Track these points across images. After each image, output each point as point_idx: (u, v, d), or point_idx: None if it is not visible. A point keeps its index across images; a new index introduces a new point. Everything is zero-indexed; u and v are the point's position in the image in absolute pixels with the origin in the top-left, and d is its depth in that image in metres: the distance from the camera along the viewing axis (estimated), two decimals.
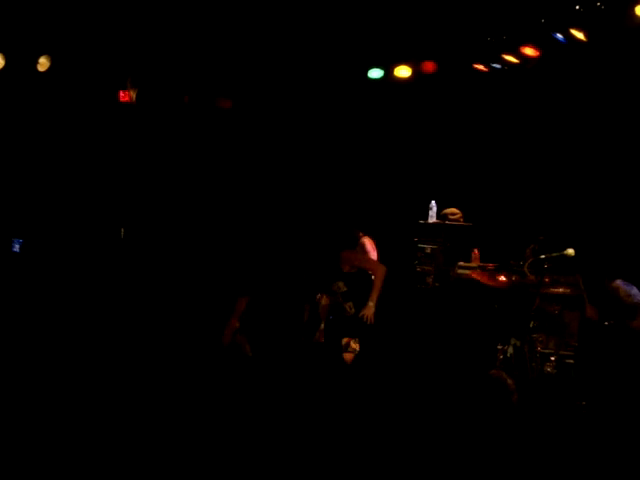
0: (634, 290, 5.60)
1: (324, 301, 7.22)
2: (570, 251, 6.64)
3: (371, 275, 7.74)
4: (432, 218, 9.39)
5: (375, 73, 9.66)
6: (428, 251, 9.33)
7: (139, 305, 8.88)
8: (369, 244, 8.70)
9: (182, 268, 9.69)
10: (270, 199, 10.20)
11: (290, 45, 9.47)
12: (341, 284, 7.28)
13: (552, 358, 6.93)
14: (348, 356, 6.91)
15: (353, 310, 7.14)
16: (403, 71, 9.52)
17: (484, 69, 8.98)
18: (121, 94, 10.10)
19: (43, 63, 9.41)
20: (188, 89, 10.24)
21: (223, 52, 9.69)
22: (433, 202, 9.40)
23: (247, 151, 10.40)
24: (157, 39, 9.47)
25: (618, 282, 5.72)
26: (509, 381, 5.07)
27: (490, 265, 8.58)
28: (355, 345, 6.99)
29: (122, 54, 9.70)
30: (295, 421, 4.37)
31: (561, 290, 7.14)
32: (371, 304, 7.01)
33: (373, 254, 8.68)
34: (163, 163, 10.28)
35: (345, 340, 6.98)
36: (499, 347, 7.43)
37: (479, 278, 8.10)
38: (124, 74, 10.01)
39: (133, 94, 10.13)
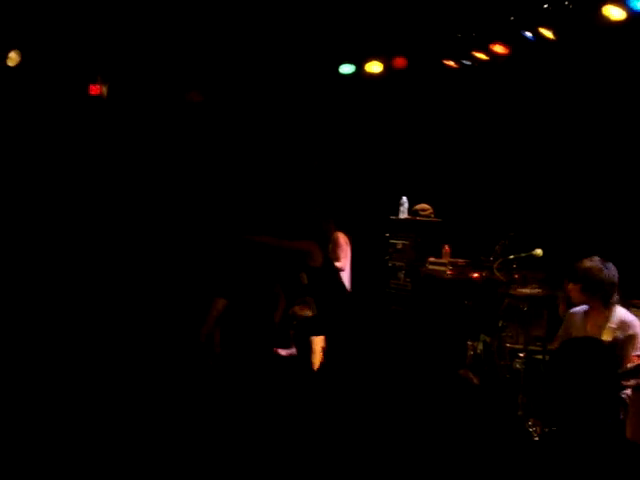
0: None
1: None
2: (538, 251, 6.74)
3: (338, 272, 7.81)
4: (403, 214, 9.46)
5: (346, 68, 9.68)
6: (399, 247, 9.40)
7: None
8: (342, 239, 8.79)
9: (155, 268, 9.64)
10: (243, 195, 10.19)
11: (262, 40, 9.46)
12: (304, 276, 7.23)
13: (521, 354, 7.02)
14: (315, 357, 6.97)
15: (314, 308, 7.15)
16: (374, 67, 9.54)
17: (454, 65, 9.02)
18: (91, 88, 10.03)
19: (13, 58, 9.33)
20: (160, 83, 10.20)
21: (195, 46, 9.65)
22: (404, 198, 9.47)
23: (219, 146, 10.38)
24: (128, 32, 9.42)
25: None
26: (475, 380, 5.14)
27: (461, 261, 8.68)
28: (320, 344, 7.04)
29: (93, 48, 9.64)
30: (266, 425, 4.39)
31: (529, 290, 7.22)
32: None
33: (346, 249, 8.77)
34: (135, 158, 10.24)
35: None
36: (469, 343, 7.52)
37: (452, 274, 8.24)
38: (95, 68, 9.95)
39: (104, 88, 10.07)
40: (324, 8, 8.80)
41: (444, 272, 8.55)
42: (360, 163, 10.32)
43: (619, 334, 5.72)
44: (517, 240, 7.60)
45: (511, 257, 6.98)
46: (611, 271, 5.83)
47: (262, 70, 9.93)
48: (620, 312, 5.84)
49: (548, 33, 7.74)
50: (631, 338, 5.70)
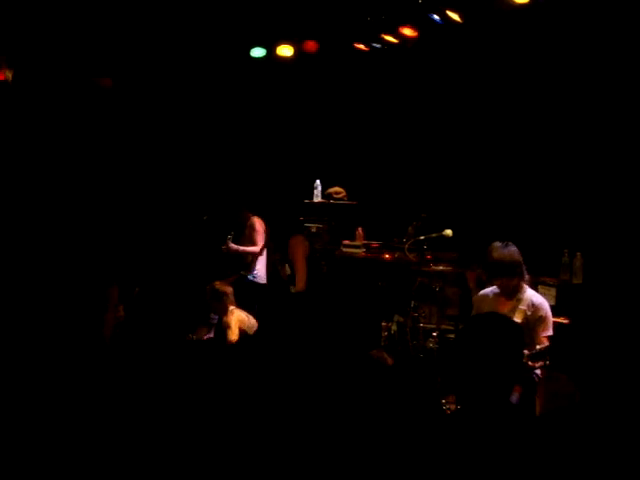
0: None
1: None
2: (448, 232, 6.85)
3: None
4: (317, 197, 9.48)
5: (257, 52, 9.61)
6: (314, 230, 9.42)
7: None
8: (258, 224, 8.80)
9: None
10: (153, 181, 10.05)
11: (172, 23, 9.32)
12: None
13: (434, 334, 7.14)
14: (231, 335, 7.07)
15: None
16: (285, 50, 9.50)
17: (365, 49, 9.06)
18: None
19: None
20: (67, 68, 9.96)
21: (105, 29, 9.45)
22: (318, 181, 9.49)
23: (129, 132, 10.21)
24: (33, 16, 9.17)
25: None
26: (389, 360, 5.21)
27: (374, 243, 8.77)
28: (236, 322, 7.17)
29: None
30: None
31: (442, 267, 7.36)
32: None
33: (263, 234, 8.79)
34: (42, 144, 9.99)
35: None
36: (383, 324, 7.62)
37: (365, 256, 8.36)
38: None
39: (9, 73, 9.80)
40: None
41: (358, 254, 8.63)
42: (274, 147, 10.28)
43: (529, 316, 5.75)
44: (429, 221, 7.71)
45: (422, 238, 7.08)
46: (514, 254, 5.82)
47: (173, 54, 9.79)
48: (529, 293, 5.85)
49: (455, 16, 7.84)
50: (541, 319, 5.73)
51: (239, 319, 7.43)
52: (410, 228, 7.97)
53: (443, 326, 7.17)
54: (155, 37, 9.54)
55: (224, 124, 10.30)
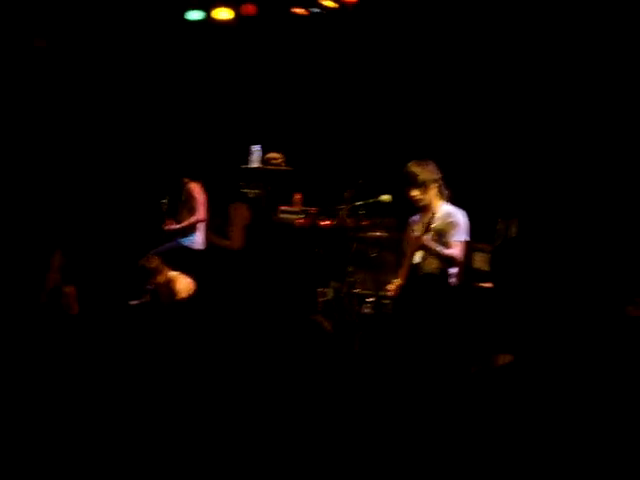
0: None
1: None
2: (385, 197, 6.84)
3: None
4: (254, 163, 9.39)
5: (194, 15, 9.47)
6: (251, 196, 9.35)
7: None
8: (197, 191, 8.75)
9: None
10: (89, 145, 9.86)
11: None
12: None
13: (370, 300, 7.15)
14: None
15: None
16: (223, 13, 9.38)
17: (304, 12, 9.01)
18: None
19: None
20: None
21: None
22: (255, 147, 9.40)
23: (64, 96, 9.96)
24: None
25: None
26: (326, 324, 5.23)
27: (312, 209, 8.74)
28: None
29: None
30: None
31: (379, 233, 7.38)
32: None
33: (201, 199, 8.74)
34: None
35: None
36: (319, 290, 7.62)
37: (303, 222, 8.35)
38: None
39: None
40: None
41: (296, 220, 8.60)
42: (211, 112, 10.15)
43: (442, 223, 6.33)
44: (366, 187, 7.71)
45: (358, 203, 7.08)
46: (419, 167, 6.42)
47: (110, 16, 9.57)
48: (445, 207, 6.44)
49: None
50: (452, 224, 6.33)
51: (180, 281, 7.55)
52: (347, 194, 7.95)
53: (379, 292, 7.17)
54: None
55: (161, 88, 10.11)
